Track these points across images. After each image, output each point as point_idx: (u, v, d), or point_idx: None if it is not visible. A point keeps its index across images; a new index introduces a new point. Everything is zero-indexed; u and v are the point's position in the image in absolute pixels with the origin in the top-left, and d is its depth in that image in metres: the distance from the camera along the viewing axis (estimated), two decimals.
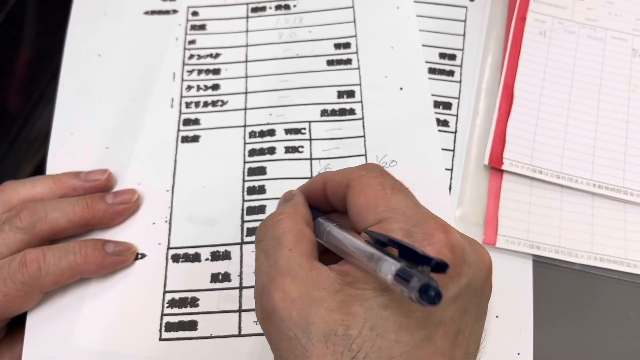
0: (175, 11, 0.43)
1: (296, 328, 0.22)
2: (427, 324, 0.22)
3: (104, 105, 0.40)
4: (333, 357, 0.21)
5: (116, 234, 0.35)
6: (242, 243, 0.34)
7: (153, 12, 0.43)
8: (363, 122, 0.38)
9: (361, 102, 0.39)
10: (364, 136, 0.37)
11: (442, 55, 0.40)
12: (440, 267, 0.20)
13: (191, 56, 0.41)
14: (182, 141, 0.38)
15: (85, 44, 0.42)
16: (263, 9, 0.43)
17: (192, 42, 0.42)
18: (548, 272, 0.33)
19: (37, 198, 0.35)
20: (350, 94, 0.39)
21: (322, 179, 0.28)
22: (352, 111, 0.38)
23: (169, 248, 0.34)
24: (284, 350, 0.23)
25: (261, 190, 0.36)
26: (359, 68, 0.40)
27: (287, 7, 0.43)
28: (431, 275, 0.19)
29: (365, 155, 0.37)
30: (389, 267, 0.20)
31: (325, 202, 0.28)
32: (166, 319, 0.33)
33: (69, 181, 0.35)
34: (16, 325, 0.33)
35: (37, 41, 0.99)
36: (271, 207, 0.35)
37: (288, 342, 0.22)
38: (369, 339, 0.21)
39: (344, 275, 0.23)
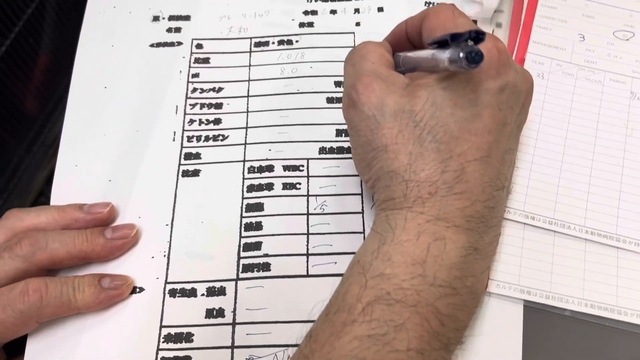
0: (180, 43, 0.44)
1: (374, 109, 0.29)
2: (477, 103, 0.28)
3: (109, 137, 0.40)
4: (400, 126, 0.29)
5: (115, 267, 0.36)
6: (237, 279, 0.35)
7: (158, 45, 0.44)
8: None
9: None
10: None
11: None
12: (478, 37, 0.25)
13: (194, 89, 0.42)
14: (183, 175, 0.39)
15: (91, 75, 0.43)
16: (266, 43, 0.44)
17: (196, 75, 0.43)
18: (538, 318, 0.33)
19: (41, 227, 0.36)
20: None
21: (404, 21, 0.34)
22: (349, 150, 0.39)
23: (166, 282, 0.35)
24: (363, 128, 0.30)
25: (258, 226, 0.37)
26: None
27: (289, 42, 0.44)
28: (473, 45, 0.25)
29: (361, 194, 0.37)
30: (444, 53, 0.26)
31: (406, 45, 0.34)
32: (162, 353, 0.33)
33: (73, 213, 0.36)
34: (14, 356, 0.34)
35: (54, 48, 1.01)
36: (267, 244, 0.36)
37: (367, 121, 0.29)
38: (429, 112, 0.28)
39: (414, 78, 0.30)
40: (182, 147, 0.40)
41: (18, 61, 0.91)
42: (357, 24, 0.44)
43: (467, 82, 0.28)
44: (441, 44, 0.28)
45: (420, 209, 0.28)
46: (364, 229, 0.36)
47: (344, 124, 0.39)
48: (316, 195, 0.37)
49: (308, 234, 0.36)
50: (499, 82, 0.28)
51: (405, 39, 0.34)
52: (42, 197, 0.98)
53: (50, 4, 0.93)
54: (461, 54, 0.25)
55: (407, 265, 0.27)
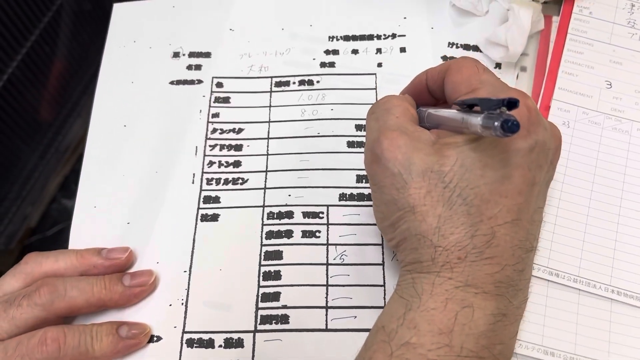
0: (200, 81, 0.44)
1: (400, 166, 0.28)
2: (507, 164, 0.27)
3: (127, 178, 0.40)
4: (428, 187, 0.28)
5: (132, 314, 0.36)
6: (255, 331, 0.35)
7: (178, 82, 0.44)
8: None
9: None
10: None
11: None
12: (512, 104, 0.25)
13: (214, 130, 0.42)
14: (202, 219, 0.38)
15: (111, 112, 0.43)
16: (287, 83, 0.43)
17: (216, 115, 0.42)
18: None
19: (59, 273, 0.36)
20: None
21: (424, 72, 0.34)
22: (370, 197, 0.38)
23: (184, 332, 0.35)
24: (387, 185, 0.29)
25: (277, 276, 0.36)
26: None
27: (310, 82, 0.43)
28: (509, 113, 0.25)
29: (382, 244, 0.37)
30: (476, 118, 0.25)
31: (426, 96, 0.34)
32: None
33: (91, 258, 0.36)
34: None
35: (69, 56, 1.02)
36: (286, 295, 0.36)
37: (392, 178, 0.29)
38: (459, 173, 0.27)
39: (441, 136, 0.29)
40: (201, 189, 0.40)
41: (34, 69, 0.91)
42: (379, 65, 0.43)
43: (496, 142, 0.28)
44: (469, 105, 0.28)
45: (448, 275, 0.27)
46: (384, 282, 0.36)
47: (364, 169, 0.39)
48: (336, 245, 0.37)
49: (327, 285, 0.36)
50: (529, 142, 0.28)
51: (426, 90, 0.34)
52: (54, 203, 0.99)
53: (66, 12, 0.93)
54: (496, 123, 0.24)
55: (434, 334, 0.26)
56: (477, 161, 0.27)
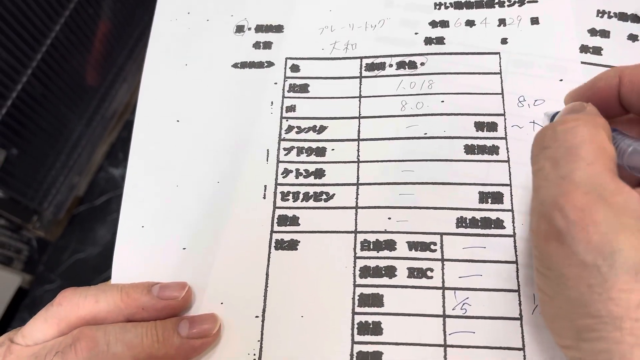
0: (270, 64, 0.35)
1: (595, 253, 0.19)
2: None
3: (182, 190, 0.32)
4: None
5: None
6: None
7: (243, 65, 0.35)
8: (514, 241, 0.28)
9: (512, 210, 0.29)
10: (516, 262, 0.28)
11: None
12: None
13: (289, 128, 0.33)
14: (277, 247, 0.30)
15: (161, 104, 0.34)
16: (381, 66, 0.33)
17: (291, 108, 0.33)
18: None
19: (100, 317, 0.28)
20: (497, 197, 0.29)
21: (616, 72, 0.23)
22: (499, 223, 0.29)
23: None
24: (573, 278, 0.20)
25: (376, 329, 0.28)
26: (508, 160, 0.30)
27: (412, 64, 0.33)
28: None
29: (518, 290, 0.27)
30: None
31: (614, 107, 0.24)
32: None
33: (140, 298, 0.28)
34: None
35: (114, 18, 0.95)
36: (389, 354, 0.27)
37: (580, 269, 0.19)
38: None
39: None
40: (274, 207, 0.31)
41: (77, 32, 0.85)
42: (504, 41, 0.33)
43: None
44: None
45: None
46: (523, 344, 0.26)
47: (491, 184, 0.29)
48: (454, 289, 0.28)
49: (445, 345, 0.27)
50: None
51: (616, 99, 0.23)
52: (101, 172, 0.94)
53: None
54: None
55: None
56: None
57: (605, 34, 0.32)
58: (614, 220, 0.19)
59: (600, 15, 0.33)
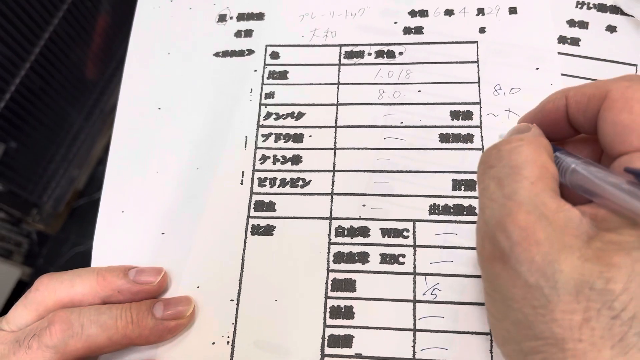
0: (251, 51, 0.35)
1: (538, 274, 0.19)
2: None
3: (162, 176, 0.32)
4: (585, 314, 0.18)
5: (164, 353, 0.28)
6: None
7: (225, 54, 0.35)
8: None
9: None
10: None
11: None
12: None
13: (268, 115, 0.33)
14: (253, 232, 0.30)
15: (143, 92, 0.35)
16: (360, 54, 0.34)
17: (270, 95, 0.34)
18: None
19: (76, 301, 0.29)
20: (470, 184, 0.30)
21: (563, 93, 0.23)
22: (471, 210, 0.29)
23: None
24: (518, 300, 0.19)
25: (348, 313, 0.28)
26: (482, 148, 0.30)
27: (391, 54, 0.33)
28: None
29: None
30: None
31: (563, 128, 0.23)
32: None
33: (115, 281, 0.29)
34: None
35: (113, 12, 0.95)
36: (360, 339, 0.27)
37: (525, 290, 0.19)
38: (637, 297, 0.17)
39: (599, 221, 0.19)
40: (251, 192, 0.31)
41: (76, 26, 0.85)
42: (482, 30, 0.33)
43: None
44: None
45: None
46: (490, 329, 0.27)
47: (465, 172, 0.30)
48: (426, 275, 0.28)
49: (415, 330, 0.27)
50: None
51: (564, 120, 0.23)
52: (101, 165, 0.95)
53: None
54: None
55: None
56: None
57: (583, 24, 0.32)
58: (555, 240, 0.19)
59: (579, 6, 0.33)
